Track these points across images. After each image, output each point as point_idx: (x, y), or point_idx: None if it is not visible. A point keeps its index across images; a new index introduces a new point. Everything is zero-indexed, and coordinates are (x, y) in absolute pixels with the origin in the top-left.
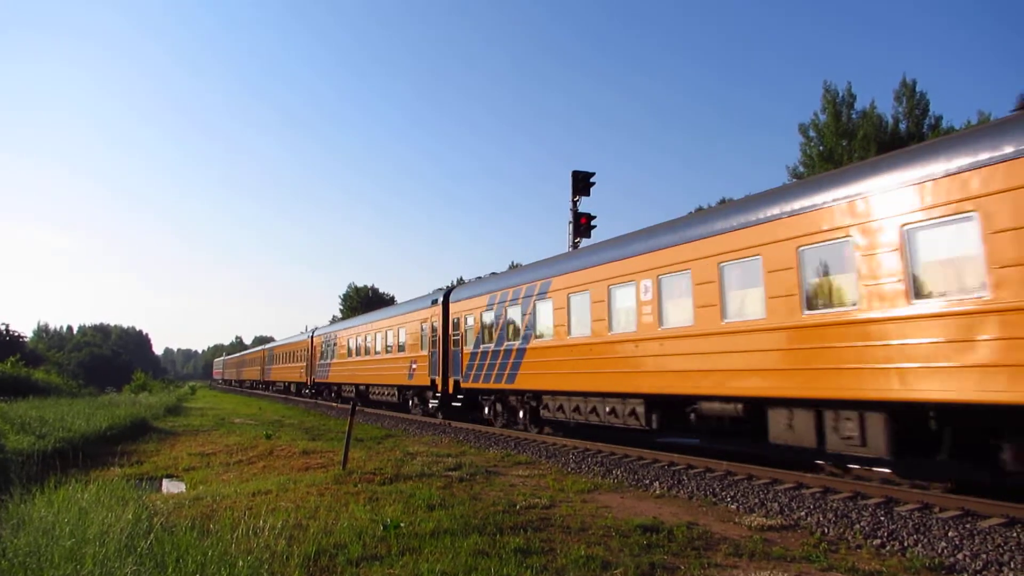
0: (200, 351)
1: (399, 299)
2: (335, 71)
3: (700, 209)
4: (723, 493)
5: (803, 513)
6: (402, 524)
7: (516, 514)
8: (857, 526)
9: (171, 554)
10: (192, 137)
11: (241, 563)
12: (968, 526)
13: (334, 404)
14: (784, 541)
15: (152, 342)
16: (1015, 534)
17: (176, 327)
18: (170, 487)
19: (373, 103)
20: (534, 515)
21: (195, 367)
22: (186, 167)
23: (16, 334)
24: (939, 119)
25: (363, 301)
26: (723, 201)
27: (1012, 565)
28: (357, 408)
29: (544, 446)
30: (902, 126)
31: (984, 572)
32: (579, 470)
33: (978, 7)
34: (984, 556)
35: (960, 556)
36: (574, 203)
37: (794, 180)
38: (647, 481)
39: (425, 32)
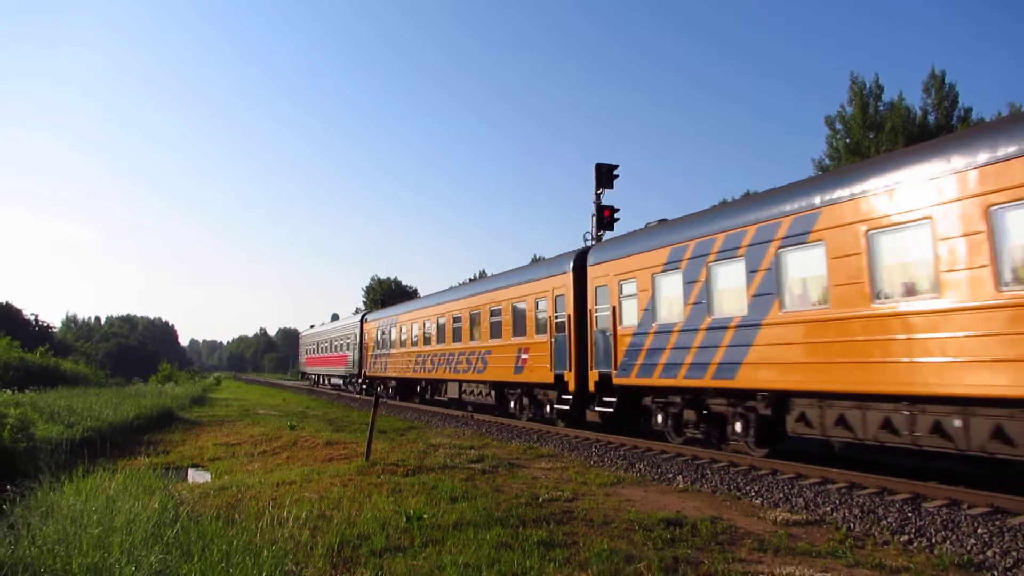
0: (225, 342)
1: (423, 292)
2: (358, 66)
3: (724, 201)
4: (747, 488)
5: (829, 508)
6: (425, 516)
7: (539, 507)
8: (884, 522)
9: (197, 543)
10: (220, 133)
11: (266, 553)
12: (998, 523)
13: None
14: (809, 536)
15: (178, 333)
16: None
17: (201, 319)
18: (196, 477)
19: (395, 98)
20: (557, 508)
21: (220, 358)
22: (213, 162)
23: (45, 324)
24: (968, 111)
25: (386, 294)
26: (747, 194)
27: None
28: (381, 401)
29: (567, 439)
30: (931, 118)
31: (1015, 570)
32: (602, 463)
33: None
34: (1015, 553)
35: (989, 553)
36: (597, 195)
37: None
38: (670, 475)
39: (449, 27)
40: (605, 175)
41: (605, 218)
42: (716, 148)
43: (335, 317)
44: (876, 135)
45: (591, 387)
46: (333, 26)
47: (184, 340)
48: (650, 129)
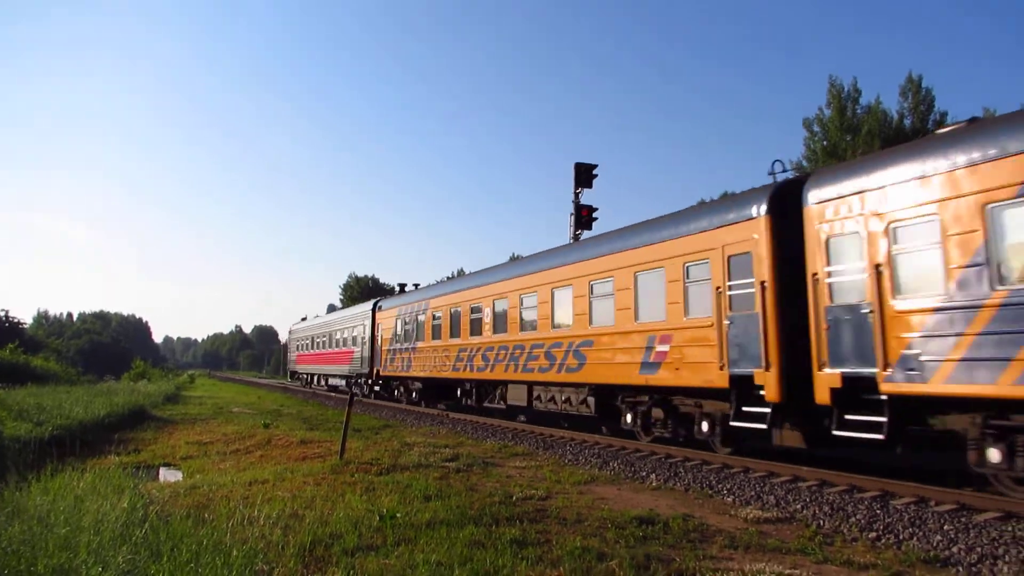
0: (200, 340)
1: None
2: (335, 58)
3: (703, 202)
4: (719, 486)
5: (799, 506)
6: (398, 514)
7: (512, 505)
8: (853, 519)
9: (166, 543)
10: (195, 127)
11: (236, 552)
12: (964, 520)
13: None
14: (779, 533)
15: (152, 330)
16: (1010, 528)
17: (176, 316)
18: (167, 476)
19: (378, 93)
20: (530, 506)
21: (195, 356)
22: (186, 156)
23: (16, 320)
24: (944, 115)
25: (363, 291)
26: (725, 195)
27: (1007, 559)
28: (356, 399)
29: (541, 438)
30: (907, 122)
31: (979, 565)
32: (576, 462)
33: (981, 2)
34: (979, 550)
35: (955, 549)
36: (576, 195)
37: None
38: (643, 473)
39: (428, 21)
40: (584, 174)
41: (583, 217)
42: (700, 146)
43: (331, 308)
44: (853, 138)
45: (821, 396)
46: (318, 20)
47: (158, 337)
48: (633, 127)
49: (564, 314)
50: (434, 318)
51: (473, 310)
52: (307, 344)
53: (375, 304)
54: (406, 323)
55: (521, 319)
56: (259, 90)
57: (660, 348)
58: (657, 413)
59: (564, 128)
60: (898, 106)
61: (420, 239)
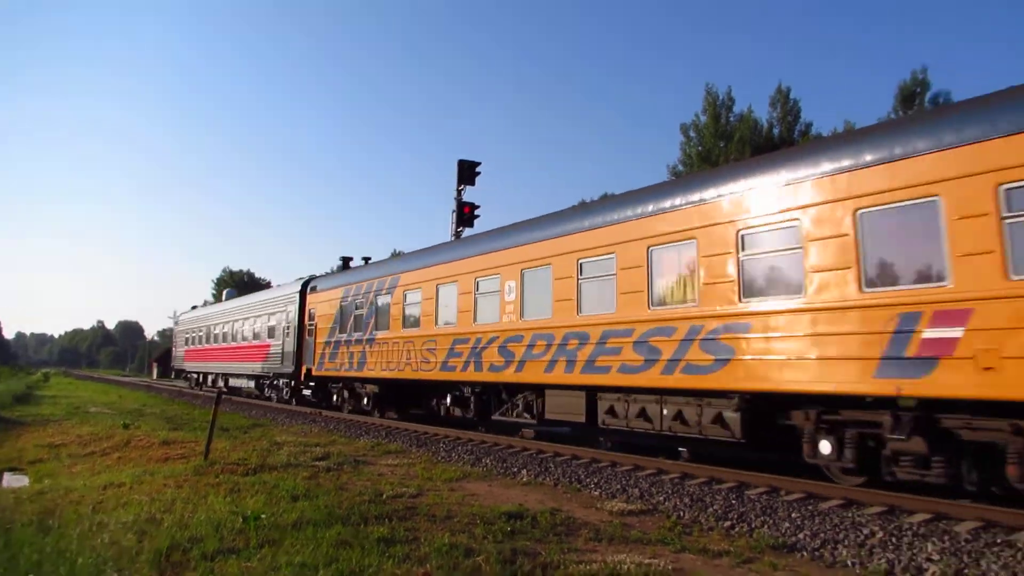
0: (56, 336)
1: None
2: (217, 45)
3: (583, 203)
4: (587, 480)
5: (662, 498)
6: (263, 516)
7: (382, 504)
8: (711, 509)
9: (4, 553)
10: (57, 112)
11: (81, 560)
12: (810, 507)
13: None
14: (642, 525)
15: (2, 325)
16: (850, 514)
17: (30, 310)
18: (11, 481)
19: (258, 87)
20: (400, 504)
21: (51, 352)
22: (46, 140)
23: None
24: (809, 125)
25: (238, 286)
26: (605, 196)
27: (846, 542)
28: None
29: (415, 435)
30: (776, 131)
31: (821, 550)
32: (449, 459)
33: (847, 19)
34: (823, 535)
35: (801, 535)
36: (459, 192)
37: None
38: (515, 469)
39: (312, 12)
40: (467, 171)
41: (466, 214)
42: (584, 146)
43: (231, 295)
44: (726, 144)
45: None
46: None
47: (9, 332)
48: (518, 125)
49: (676, 284)
50: (408, 299)
51: (482, 285)
52: (200, 337)
53: (306, 285)
54: (357, 307)
55: (579, 297)
56: (132, 80)
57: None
58: (915, 444)
59: (449, 125)
60: (768, 115)
61: (301, 235)
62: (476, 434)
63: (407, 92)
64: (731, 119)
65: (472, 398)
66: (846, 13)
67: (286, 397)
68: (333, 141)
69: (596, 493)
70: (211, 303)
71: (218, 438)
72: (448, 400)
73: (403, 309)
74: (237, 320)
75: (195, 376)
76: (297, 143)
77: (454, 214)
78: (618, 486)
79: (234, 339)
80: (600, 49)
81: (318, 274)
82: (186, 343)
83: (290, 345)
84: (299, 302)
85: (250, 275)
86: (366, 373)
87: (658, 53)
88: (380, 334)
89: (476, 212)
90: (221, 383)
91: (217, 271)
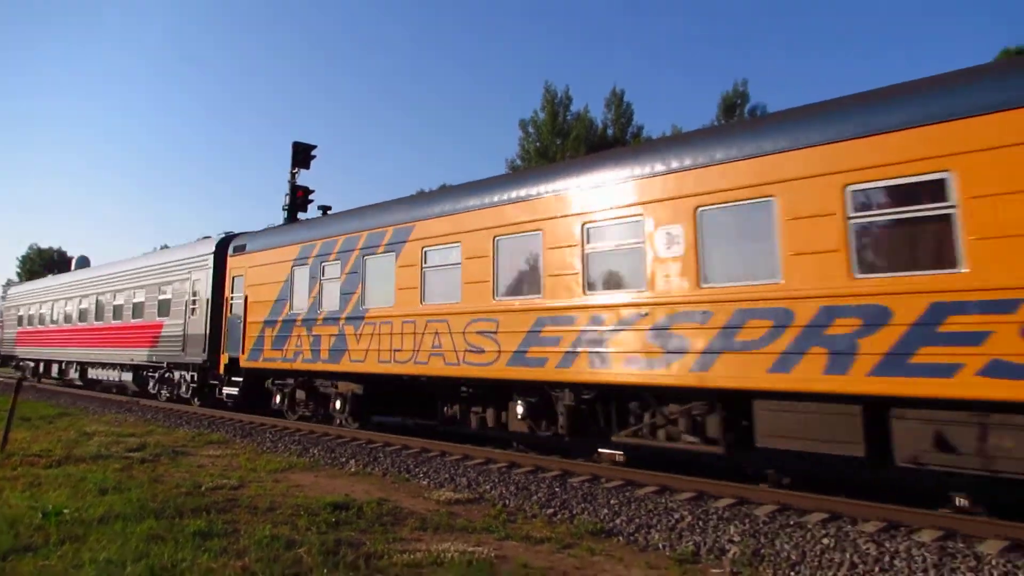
0: None
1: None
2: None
3: (421, 192)
4: (416, 469)
5: (488, 487)
6: (66, 511)
7: (200, 496)
8: (535, 497)
9: None
10: None
11: None
12: (628, 494)
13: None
14: (468, 514)
15: None
16: (664, 500)
17: None
18: None
19: (72, 53)
20: (220, 496)
21: None
22: None
23: None
24: (641, 128)
25: (46, 265)
26: (444, 186)
27: (659, 527)
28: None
29: (239, 425)
30: (610, 131)
31: (636, 534)
32: (275, 449)
33: (676, 30)
34: (638, 520)
35: (618, 521)
36: (293, 175)
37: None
38: (343, 459)
39: None
40: (302, 154)
41: (299, 198)
42: (422, 138)
43: (82, 263)
44: (563, 142)
45: None
46: None
47: None
48: (356, 112)
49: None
50: (431, 260)
51: (593, 229)
52: (46, 316)
53: (224, 244)
54: (327, 273)
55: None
56: None
57: None
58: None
59: (284, 108)
60: (603, 116)
61: (122, 213)
62: (304, 424)
63: (237, 67)
64: (568, 117)
65: (568, 409)
66: (675, 25)
67: (186, 395)
68: (166, 125)
69: (424, 483)
70: (16, 283)
71: (19, 428)
72: (520, 409)
73: (421, 274)
74: (105, 293)
75: (33, 364)
76: (121, 118)
77: (287, 197)
78: (447, 475)
79: (99, 318)
80: (446, 45)
81: (235, 231)
82: (20, 323)
83: (197, 326)
84: (213, 267)
85: (61, 253)
86: (345, 366)
87: (499, 47)
88: (375, 310)
89: (311, 196)
90: (74, 373)
91: (21, 248)
